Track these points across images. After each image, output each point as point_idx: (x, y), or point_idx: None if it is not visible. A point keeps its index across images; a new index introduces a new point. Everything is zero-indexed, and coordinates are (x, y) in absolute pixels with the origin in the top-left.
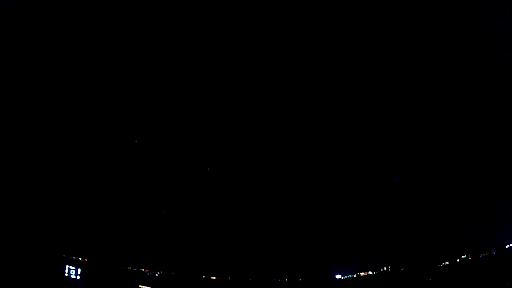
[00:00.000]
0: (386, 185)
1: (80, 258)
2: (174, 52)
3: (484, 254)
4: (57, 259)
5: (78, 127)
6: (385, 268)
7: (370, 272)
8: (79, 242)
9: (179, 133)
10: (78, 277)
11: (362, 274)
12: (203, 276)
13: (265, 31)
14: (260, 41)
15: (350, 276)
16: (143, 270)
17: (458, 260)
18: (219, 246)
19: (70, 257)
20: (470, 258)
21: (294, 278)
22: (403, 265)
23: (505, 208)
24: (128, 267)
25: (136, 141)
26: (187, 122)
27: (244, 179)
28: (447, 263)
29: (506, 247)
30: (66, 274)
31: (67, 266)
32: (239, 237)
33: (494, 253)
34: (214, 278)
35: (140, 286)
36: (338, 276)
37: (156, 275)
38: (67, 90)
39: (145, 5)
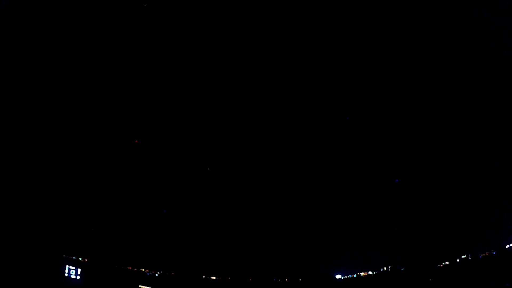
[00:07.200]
0: (386, 185)
1: (80, 258)
2: (174, 52)
3: (484, 254)
4: (57, 259)
5: (78, 127)
6: (385, 268)
7: (370, 272)
8: (79, 242)
9: (179, 133)
10: (78, 277)
11: (362, 274)
12: (203, 276)
13: (265, 31)
14: (260, 41)
15: (350, 276)
16: (143, 270)
17: (458, 260)
18: (219, 246)
19: (70, 257)
20: (470, 258)
21: (294, 278)
22: (403, 265)
23: (505, 208)
24: (128, 267)
25: (136, 141)
26: (187, 122)
27: (244, 179)
28: (447, 263)
29: (506, 247)
30: (66, 274)
31: (67, 266)
32: (239, 237)
33: (494, 253)
34: (214, 278)
35: (140, 286)
36: (338, 276)
37: (156, 275)
38: (67, 90)
39: (145, 5)
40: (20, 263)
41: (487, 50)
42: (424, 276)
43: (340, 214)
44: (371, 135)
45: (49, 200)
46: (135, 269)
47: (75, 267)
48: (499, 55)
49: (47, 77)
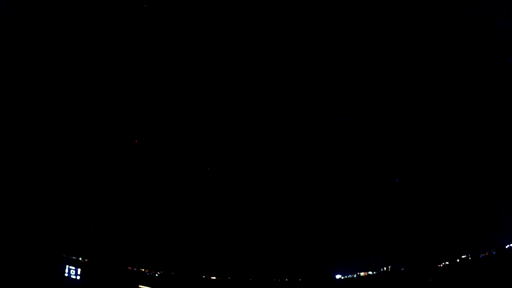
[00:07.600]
0: (386, 185)
1: (80, 258)
2: (174, 52)
3: (484, 254)
4: (57, 259)
5: (78, 127)
6: (385, 268)
7: (370, 272)
8: (79, 242)
9: (179, 133)
10: (78, 277)
11: (362, 274)
12: (203, 276)
13: (265, 31)
14: (260, 41)
15: (350, 276)
16: (143, 270)
17: (458, 260)
18: (219, 246)
19: (70, 257)
20: (470, 258)
21: (294, 278)
22: (403, 265)
23: (505, 208)
24: (128, 267)
25: (136, 141)
26: (187, 122)
27: (244, 179)
28: (447, 263)
29: (506, 247)
30: (66, 274)
31: (67, 266)
32: (239, 237)
33: (494, 253)
34: (214, 278)
35: (140, 286)
36: (338, 276)
37: (156, 275)
38: (67, 90)
39: (145, 5)
40: (20, 263)
41: (487, 50)
42: (424, 276)
43: (340, 214)
44: (371, 135)
45: (49, 200)
46: (135, 269)
47: (75, 267)
48: (499, 55)
49: (47, 77)
